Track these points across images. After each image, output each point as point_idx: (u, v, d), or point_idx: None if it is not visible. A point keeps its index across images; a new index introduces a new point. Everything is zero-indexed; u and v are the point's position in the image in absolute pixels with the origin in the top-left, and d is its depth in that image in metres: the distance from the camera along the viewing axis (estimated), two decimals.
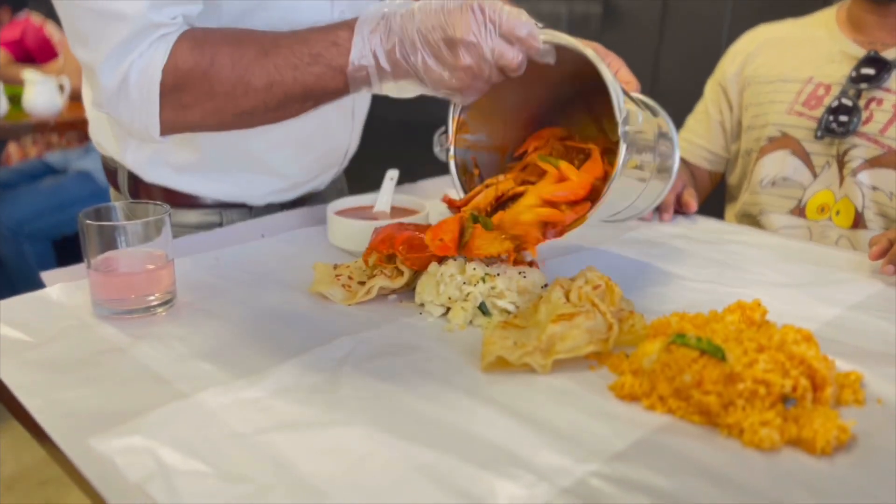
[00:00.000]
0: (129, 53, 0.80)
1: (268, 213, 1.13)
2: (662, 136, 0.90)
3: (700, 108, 1.41)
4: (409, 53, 0.76)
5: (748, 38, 1.37)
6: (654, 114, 0.90)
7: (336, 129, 1.13)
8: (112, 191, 1.14)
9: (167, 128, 0.85)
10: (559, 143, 0.93)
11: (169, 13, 0.81)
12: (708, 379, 0.59)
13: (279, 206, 1.15)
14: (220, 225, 1.10)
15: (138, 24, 0.79)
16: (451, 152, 0.90)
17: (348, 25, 0.79)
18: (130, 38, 0.80)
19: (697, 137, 1.39)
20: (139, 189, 1.08)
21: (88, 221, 0.76)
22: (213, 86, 0.81)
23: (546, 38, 0.78)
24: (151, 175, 1.06)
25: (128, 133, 0.87)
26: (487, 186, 0.87)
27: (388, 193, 1.06)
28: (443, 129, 0.90)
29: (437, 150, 0.91)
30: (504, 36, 0.75)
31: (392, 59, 0.77)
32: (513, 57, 0.76)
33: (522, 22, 0.76)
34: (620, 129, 0.75)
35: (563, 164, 0.82)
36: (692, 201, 1.15)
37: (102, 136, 1.08)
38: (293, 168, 1.11)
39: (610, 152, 0.83)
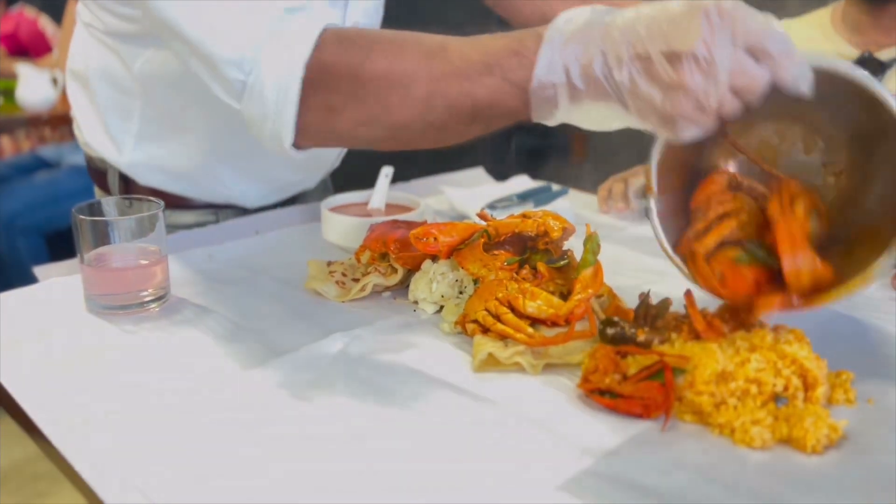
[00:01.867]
0: (263, 43, 0.68)
1: (261, 211, 1.13)
2: None
3: None
4: (612, 68, 0.58)
5: None
6: None
7: None
8: (97, 191, 1.11)
9: (308, 134, 0.71)
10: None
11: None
12: (700, 379, 0.59)
13: (271, 207, 1.14)
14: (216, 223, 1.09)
15: (272, 10, 0.68)
16: (654, 206, 0.70)
17: (537, 33, 0.62)
18: (264, 24, 0.68)
19: None
20: (131, 192, 1.05)
21: (82, 216, 0.75)
22: (365, 88, 0.67)
23: (807, 59, 0.58)
24: (145, 178, 1.03)
25: (257, 139, 0.73)
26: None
27: (382, 190, 1.06)
28: (640, 182, 0.72)
29: (638, 204, 0.73)
30: (750, 49, 0.56)
31: (589, 76, 0.59)
32: (758, 79, 0.56)
33: (776, 33, 0.56)
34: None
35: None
36: None
37: (92, 135, 1.04)
38: (286, 173, 1.10)
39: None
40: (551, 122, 0.64)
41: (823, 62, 0.60)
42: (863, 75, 0.61)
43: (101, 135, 1.02)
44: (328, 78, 0.68)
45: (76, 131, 1.08)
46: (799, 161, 0.73)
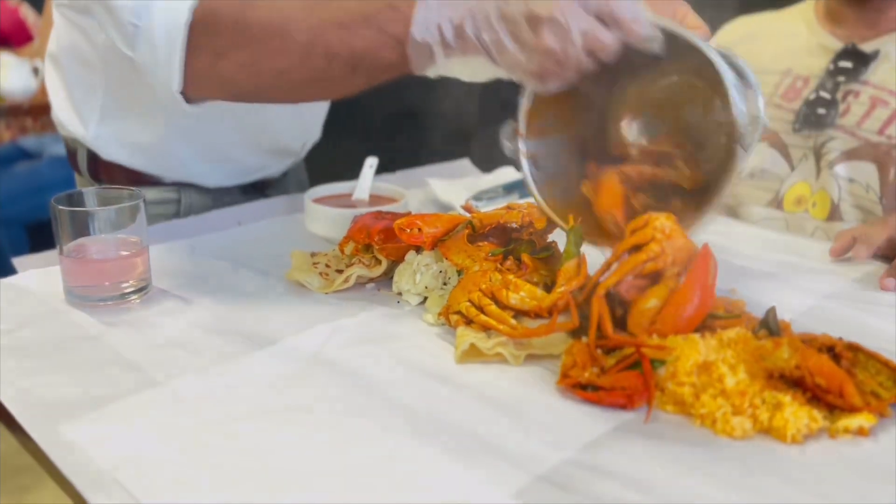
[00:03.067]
0: None
1: (225, 191, 1.14)
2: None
3: None
4: (482, 29, 0.65)
5: (727, 30, 1.38)
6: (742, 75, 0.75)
7: (290, 121, 1.13)
8: (77, 177, 1.13)
9: (196, 80, 0.75)
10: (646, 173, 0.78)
11: None
12: (681, 370, 0.60)
13: (237, 189, 1.15)
14: (179, 202, 1.10)
15: None
16: (524, 149, 0.77)
17: None
18: None
19: None
20: (98, 168, 1.07)
21: (60, 207, 0.74)
22: (248, 33, 0.71)
23: (656, 23, 0.66)
24: (110, 152, 1.04)
25: (150, 87, 0.78)
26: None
27: (366, 181, 1.05)
28: (509, 123, 0.77)
29: (505, 146, 0.77)
30: (601, 16, 0.64)
31: (461, 35, 0.66)
32: (607, 41, 0.64)
33: (625, 2, 0.64)
34: (737, 139, 0.66)
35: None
36: None
37: (63, 112, 1.06)
38: (245, 154, 1.12)
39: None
40: (431, 74, 0.69)
41: (670, 26, 0.67)
42: (690, 35, 0.67)
43: (69, 111, 1.04)
44: (213, 23, 0.72)
45: (52, 115, 1.10)
46: (700, 119, 0.77)
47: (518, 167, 0.79)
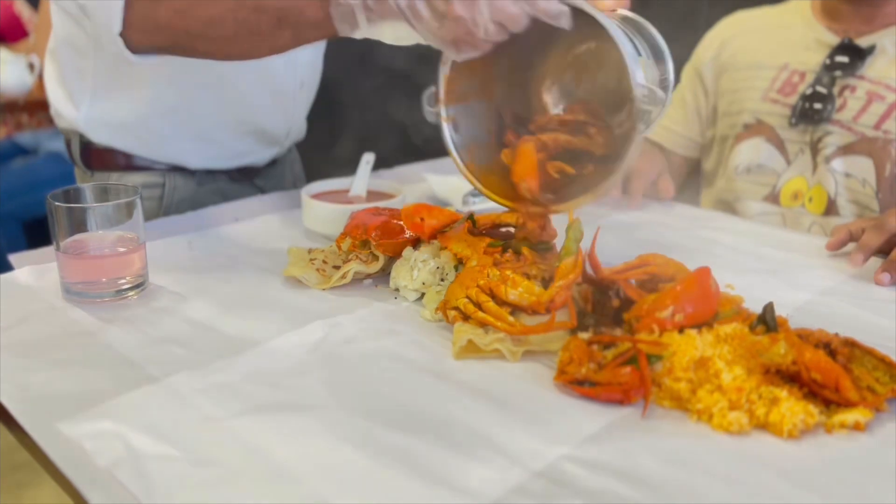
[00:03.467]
0: None
1: (210, 176, 1.18)
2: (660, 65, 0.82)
3: (676, 94, 1.41)
4: None
5: (724, 24, 1.38)
6: (651, 44, 0.81)
7: (270, 104, 1.18)
8: (77, 172, 1.19)
9: (135, 24, 0.82)
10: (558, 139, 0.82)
11: None
12: (678, 366, 0.60)
13: (221, 172, 1.19)
14: (164, 186, 1.14)
15: None
16: (444, 113, 0.81)
17: None
18: None
19: (674, 123, 1.39)
20: (91, 155, 1.12)
21: (57, 203, 0.74)
22: None
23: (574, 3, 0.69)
24: (100, 135, 1.10)
25: (93, 25, 0.86)
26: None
27: (363, 177, 1.05)
28: (431, 89, 0.81)
29: (427, 110, 0.81)
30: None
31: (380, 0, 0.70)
32: (513, 12, 0.67)
33: None
34: (636, 115, 0.69)
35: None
36: (669, 187, 1.16)
37: (59, 100, 1.11)
38: (228, 137, 1.16)
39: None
40: (357, 36, 0.73)
41: (577, 3, 0.69)
42: (591, 10, 0.69)
43: (63, 98, 1.10)
44: None
45: (51, 110, 1.15)
46: (615, 85, 0.80)
47: (440, 132, 0.82)
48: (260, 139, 1.20)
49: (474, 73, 0.80)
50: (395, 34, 0.73)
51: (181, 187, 1.15)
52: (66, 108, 1.10)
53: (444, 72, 0.79)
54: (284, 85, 1.18)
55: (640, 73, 0.70)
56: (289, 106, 1.21)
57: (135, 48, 0.85)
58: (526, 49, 0.75)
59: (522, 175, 0.78)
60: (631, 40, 0.72)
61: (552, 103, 0.88)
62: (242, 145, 1.19)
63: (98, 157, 1.12)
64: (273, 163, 1.27)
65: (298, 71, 1.20)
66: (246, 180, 1.22)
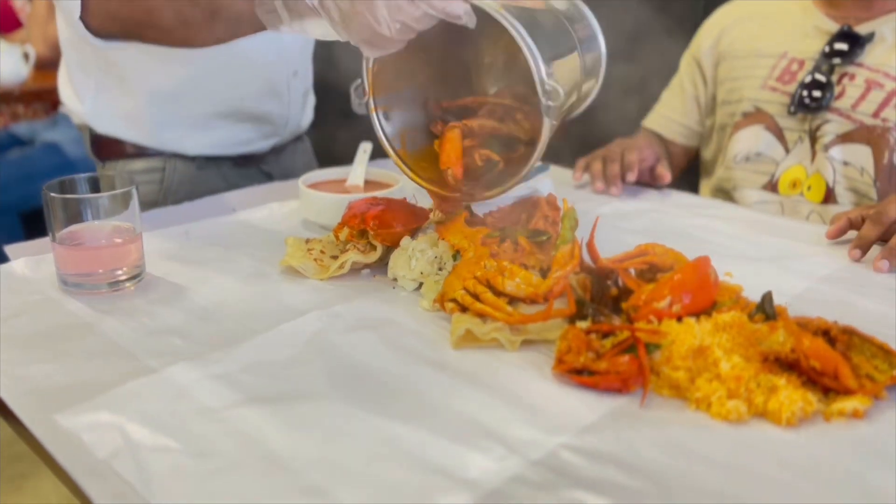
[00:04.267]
0: None
1: (210, 162, 1.20)
2: (584, 49, 0.84)
3: (675, 82, 1.41)
4: None
5: (723, 12, 1.37)
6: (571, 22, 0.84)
7: (267, 96, 1.20)
8: (96, 161, 1.22)
9: (91, 10, 0.88)
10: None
11: None
12: (677, 354, 0.60)
13: (227, 161, 1.22)
14: (164, 170, 1.18)
15: None
16: (372, 104, 0.82)
17: None
18: None
19: (672, 112, 1.39)
20: (100, 145, 1.17)
21: (53, 194, 0.74)
22: None
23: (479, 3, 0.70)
24: (104, 126, 1.15)
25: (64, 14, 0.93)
26: None
27: (361, 166, 1.05)
28: (358, 81, 0.81)
29: (354, 103, 0.82)
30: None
31: None
32: (414, 14, 0.67)
33: None
34: (542, 111, 0.72)
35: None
36: (666, 173, 1.15)
37: (67, 95, 1.17)
38: (225, 124, 1.19)
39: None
40: (286, 32, 0.75)
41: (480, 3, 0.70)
42: (492, 10, 0.71)
43: (72, 94, 1.16)
44: None
45: (61, 96, 1.20)
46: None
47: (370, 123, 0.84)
48: (257, 128, 1.22)
49: (401, 63, 0.80)
50: (320, 31, 0.74)
51: (181, 170, 1.18)
52: (74, 104, 1.17)
53: (368, 64, 0.80)
54: (277, 73, 1.20)
55: (542, 69, 0.71)
56: (283, 94, 1.23)
57: (96, 33, 0.92)
58: (452, 38, 0.76)
59: (447, 162, 0.81)
60: (533, 32, 0.73)
61: (481, 90, 0.91)
62: (240, 134, 1.21)
63: (106, 147, 1.17)
64: (280, 149, 1.28)
65: (291, 59, 1.22)
66: (250, 165, 1.24)
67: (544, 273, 0.72)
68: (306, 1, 0.70)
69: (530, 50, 0.71)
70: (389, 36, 0.69)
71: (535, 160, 0.75)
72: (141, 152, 1.17)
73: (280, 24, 0.74)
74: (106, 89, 1.13)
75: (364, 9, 0.67)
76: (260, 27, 0.78)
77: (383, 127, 0.84)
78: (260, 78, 1.18)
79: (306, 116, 1.33)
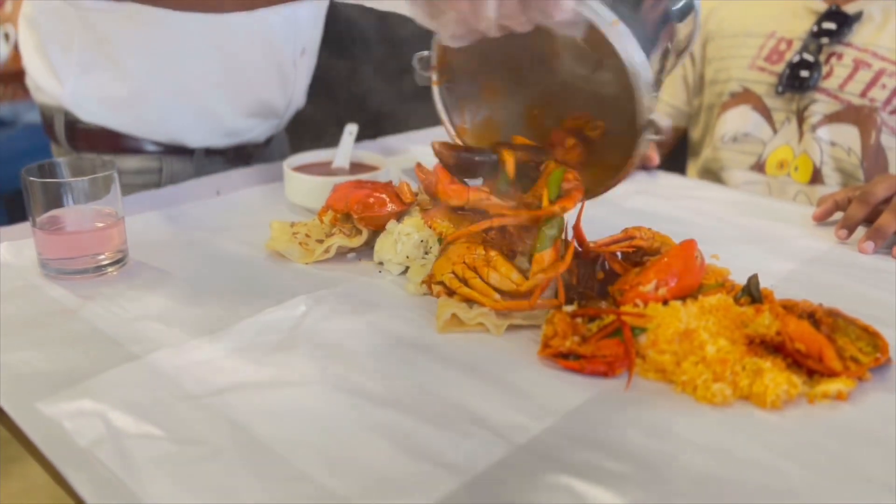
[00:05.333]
0: None
1: (208, 159, 1.14)
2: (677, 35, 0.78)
3: None
4: None
5: None
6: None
7: (271, 76, 1.13)
8: (53, 146, 1.13)
9: None
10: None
11: None
12: (662, 338, 0.60)
13: (219, 153, 1.15)
14: (161, 171, 1.10)
15: None
16: (435, 77, 0.79)
17: None
18: None
19: (660, 92, 1.38)
20: (77, 135, 1.06)
21: (32, 178, 0.73)
22: None
23: (578, 7, 0.63)
24: (89, 113, 1.04)
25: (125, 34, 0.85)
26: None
27: (346, 149, 1.03)
28: (424, 53, 0.78)
29: (418, 74, 0.78)
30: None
31: None
32: (519, 23, 0.61)
33: None
34: (639, 145, 0.68)
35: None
36: (654, 154, 1.15)
37: (41, 74, 1.05)
38: (227, 111, 1.11)
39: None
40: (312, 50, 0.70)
41: (592, 12, 0.64)
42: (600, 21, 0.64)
43: (46, 72, 1.03)
44: None
45: (27, 81, 1.08)
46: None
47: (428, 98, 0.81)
48: (260, 112, 1.16)
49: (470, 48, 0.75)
50: (388, 3, 0.69)
51: (179, 172, 1.11)
52: (49, 83, 1.04)
53: (437, 42, 0.76)
54: (285, 52, 1.13)
55: (647, 101, 0.66)
56: (290, 74, 1.16)
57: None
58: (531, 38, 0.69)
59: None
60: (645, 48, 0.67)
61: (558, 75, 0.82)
62: (242, 120, 1.14)
63: (85, 137, 1.06)
64: (268, 142, 1.23)
65: (299, 36, 1.14)
66: (243, 163, 1.17)
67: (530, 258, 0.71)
68: None
69: (637, 86, 0.65)
70: (481, 33, 0.63)
71: (634, 166, 0.72)
72: (132, 146, 1.07)
73: None
74: (93, 69, 1.02)
75: (468, 8, 0.60)
76: None
77: (445, 100, 0.81)
78: (267, 56, 1.10)
79: (303, 98, 1.26)
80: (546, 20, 0.60)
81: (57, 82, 1.04)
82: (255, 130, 1.18)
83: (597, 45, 0.67)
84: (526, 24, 0.61)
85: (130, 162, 1.08)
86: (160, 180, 1.10)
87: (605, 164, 0.77)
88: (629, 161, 0.71)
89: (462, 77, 0.81)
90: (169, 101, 1.06)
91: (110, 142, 1.06)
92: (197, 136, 1.10)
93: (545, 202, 0.70)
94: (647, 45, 0.68)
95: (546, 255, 0.68)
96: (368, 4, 0.75)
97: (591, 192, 0.76)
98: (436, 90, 0.80)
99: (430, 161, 0.79)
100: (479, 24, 0.61)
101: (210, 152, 1.14)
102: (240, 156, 1.18)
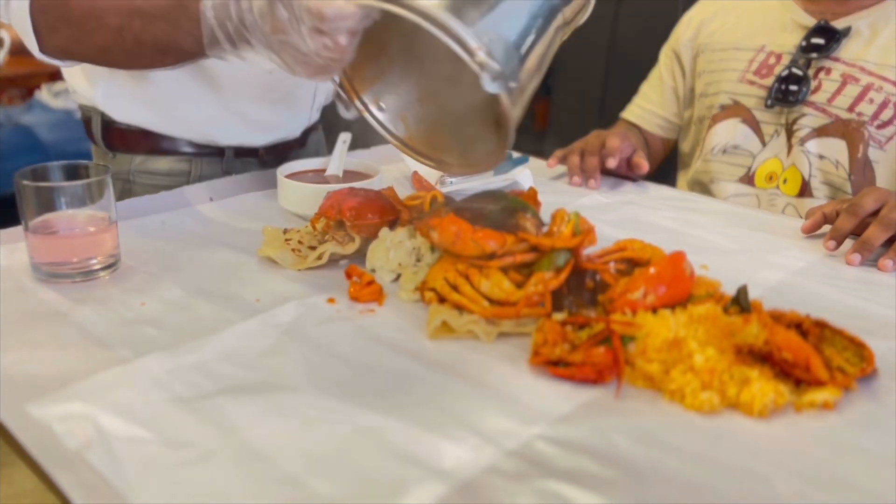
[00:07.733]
0: None
1: (239, 161, 1.14)
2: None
3: (654, 74, 1.41)
4: (251, 33, 0.69)
5: (703, 4, 1.38)
6: None
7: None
8: (93, 148, 1.14)
9: (47, 47, 0.88)
10: None
11: None
12: (651, 347, 0.60)
13: (253, 152, 1.14)
14: (190, 174, 1.11)
15: None
16: (359, 105, 0.78)
17: None
18: None
19: (650, 104, 1.39)
20: (113, 135, 1.09)
21: (25, 182, 0.73)
22: (69, 13, 0.83)
23: (364, 3, 0.63)
24: (123, 114, 1.07)
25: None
26: None
27: (340, 157, 1.04)
28: (335, 91, 0.78)
29: (342, 112, 0.78)
30: (316, 29, 0.65)
31: (239, 34, 0.70)
32: (328, 50, 0.66)
33: (329, 7, 0.63)
34: (485, 87, 0.61)
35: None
36: (643, 162, 1.14)
37: (74, 76, 1.08)
38: (257, 107, 1.11)
39: None
40: (228, 60, 0.75)
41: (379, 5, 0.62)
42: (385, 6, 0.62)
43: (79, 74, 1.07)
44: (43, 4, 0.84)
45: (65, 77, 1.11)
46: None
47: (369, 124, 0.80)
48: (288, 105, 1.15)
49: (371, 52, 0.74)
50: (262, 61, 0.72)
51: (208, 175, 1.11)
52: (82, 84, 1.07)
53: (339, 75, 0.76)
54: None
55: (464, 38, 0.59)
56: None
57: (57, 60, 0.91)
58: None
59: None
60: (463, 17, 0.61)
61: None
62: (272, 115, 1.14)
63: (120, 138, 1.09)
64: (303, 143, 1.22)
65: None
66: (276, 164, 1.17)
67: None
68: (256, 49, 0.70)
69: (432, 23, 0.59)
70: (327, 69, 0.68)
71: (511, 135, 0.66)
72: (166, 147, 1.08)
73: (226, 56, 0.74)
74: (120, 71, 1.04)
75: (301, 44, 0.66)
76: (204, 56, 0.76)
77: (380, 120, 0.80)
78: None
79: (330, 88, 1.22)
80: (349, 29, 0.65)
81: (88, 83, 1.06)
82: (289, 126, 1.17)
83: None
84: (338, 45, 0.65)
85: (161, 163, 1.09)
86: (188, 183, 1.10)
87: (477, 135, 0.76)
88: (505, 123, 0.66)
89: (384, 89, 0.80)
90: (196, 99, 1.07)
91: (145, 142, 1.08)
92: (227, 135, 1.11)
93: (567, 232, 0.71)
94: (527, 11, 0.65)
95: (546, 276, 0.69)
96: (267, 67, 0.75)
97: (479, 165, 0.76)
98: (368, 117, 0.80)
99: (427, 170, 0.80)
100: (310, 58, 0.66)
101: (240, 153, 1.14)
102: (273, 157, 1.17)
